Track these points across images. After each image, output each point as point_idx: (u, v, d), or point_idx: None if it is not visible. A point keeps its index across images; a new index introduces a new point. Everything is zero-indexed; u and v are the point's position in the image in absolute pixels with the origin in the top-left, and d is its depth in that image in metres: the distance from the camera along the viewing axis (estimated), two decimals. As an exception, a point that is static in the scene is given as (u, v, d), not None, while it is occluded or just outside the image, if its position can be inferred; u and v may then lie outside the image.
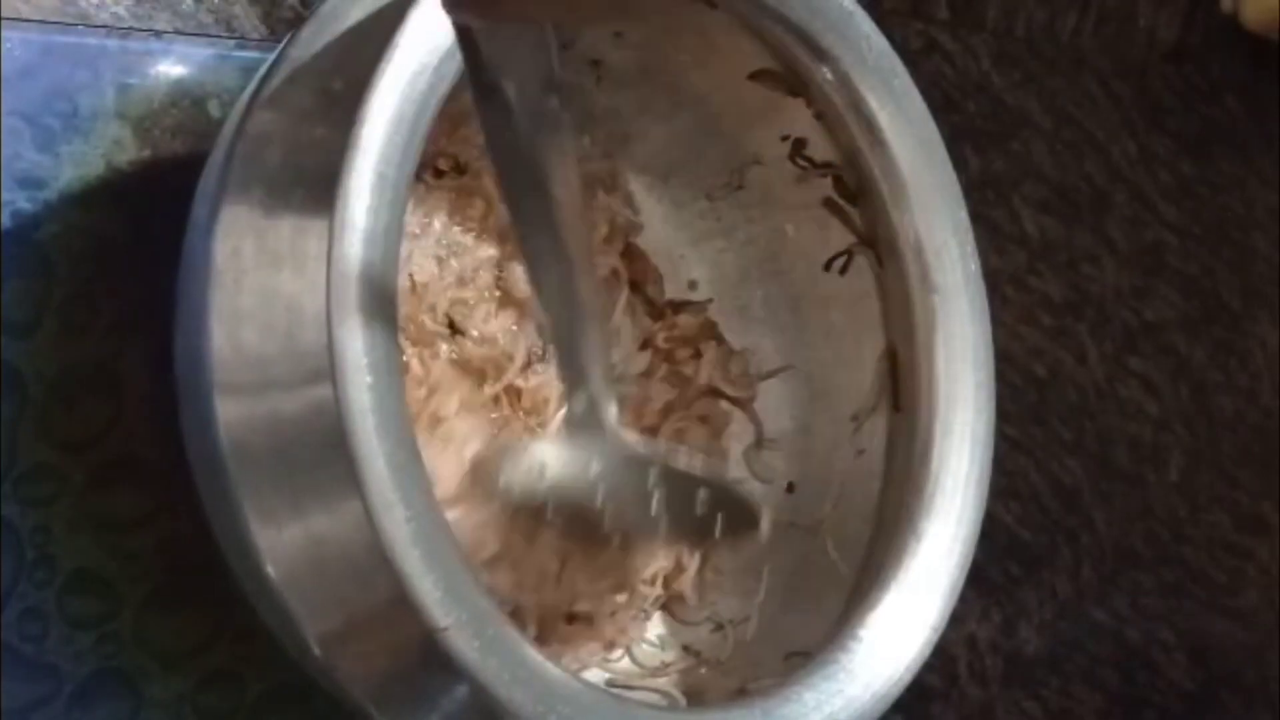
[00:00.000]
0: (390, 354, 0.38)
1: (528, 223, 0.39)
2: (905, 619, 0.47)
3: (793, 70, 0.51)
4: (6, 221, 0.46)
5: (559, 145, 0.37)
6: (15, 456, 0.46)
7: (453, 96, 0.41)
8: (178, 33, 0.55)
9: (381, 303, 0.38)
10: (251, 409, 0.39)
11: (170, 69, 0.49)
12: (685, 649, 0.53)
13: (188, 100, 0.50)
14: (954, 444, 0.50)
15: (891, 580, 0.47)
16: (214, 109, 0.50)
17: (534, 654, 0.39)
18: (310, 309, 0.38)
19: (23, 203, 0.46)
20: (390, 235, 0.39)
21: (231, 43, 0.51)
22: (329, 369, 0.37)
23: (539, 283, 0.41)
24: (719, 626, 0.53)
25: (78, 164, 0.47)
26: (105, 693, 0.47)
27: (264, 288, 0.39)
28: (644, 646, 0.52)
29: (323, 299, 0.37)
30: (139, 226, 0.48)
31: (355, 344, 0.37)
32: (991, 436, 0.51)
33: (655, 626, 0.52)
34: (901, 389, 0.52)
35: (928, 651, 0.47)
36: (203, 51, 0.50)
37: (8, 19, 0.47)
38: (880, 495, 0.52)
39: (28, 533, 0.46)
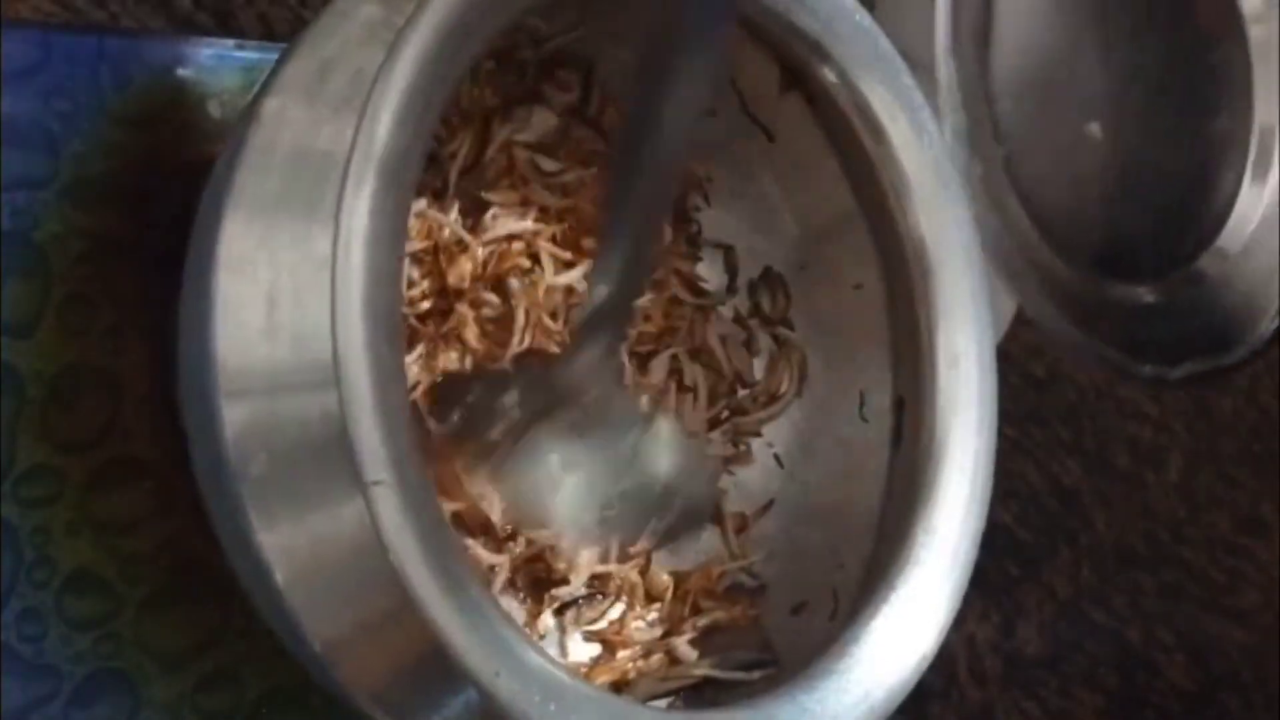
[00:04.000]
0: (394, 355, 0.38)
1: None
2: (903, 632, 0.47)
3: (795, 71, 0.51)
4: (6, 221, 0.46)
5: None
6: (15, 457, 0.46)
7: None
8: (177, 33, 0.55)
9: (386, 304, 0.38)
10: (257, 412, 0.39)
11: (170, 69, 0.49)
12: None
13: (188, 100, 0.50)
14: (957, 444, 0.49)
15: (891, 593, 0.47)
16: (214, 109, 0.50)
17: (538, 656, 0.39)
18: (316, 311, 0.38)
19: (23, 203, 0.46)
20: (395, 237, 0.39)
21: (231, 43, 0.51)
22: (334, 372, 0.37)
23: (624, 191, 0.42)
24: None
25: (78, 164, 0.47)
26: (105, 693, 0.47)
27: (270, 289, 0.39)
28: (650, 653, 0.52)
29: (328, 301, 0.37)
30: (139, 226, 0.48)
31: (359, 346, 0.37)
32: (993, 438, 0.50)
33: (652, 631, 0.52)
34: (904, 389, 0.52)
35: (924, 668, 0.47)
36: (203, 51, 0.50)
37: (8, 19, 0.47)
38: (882, 506, 0.51)
39: (27, 533, 0.46)
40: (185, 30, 0.57)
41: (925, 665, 0.47)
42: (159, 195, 0.49)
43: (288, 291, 0.39)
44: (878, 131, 0.50)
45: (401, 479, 0.37)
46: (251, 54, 0.51)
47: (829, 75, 0.50)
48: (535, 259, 0.50)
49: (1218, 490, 0.80)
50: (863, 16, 0.50)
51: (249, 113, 0.42)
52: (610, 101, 0.53)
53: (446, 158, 0.49)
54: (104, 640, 0.47)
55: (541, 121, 0.51)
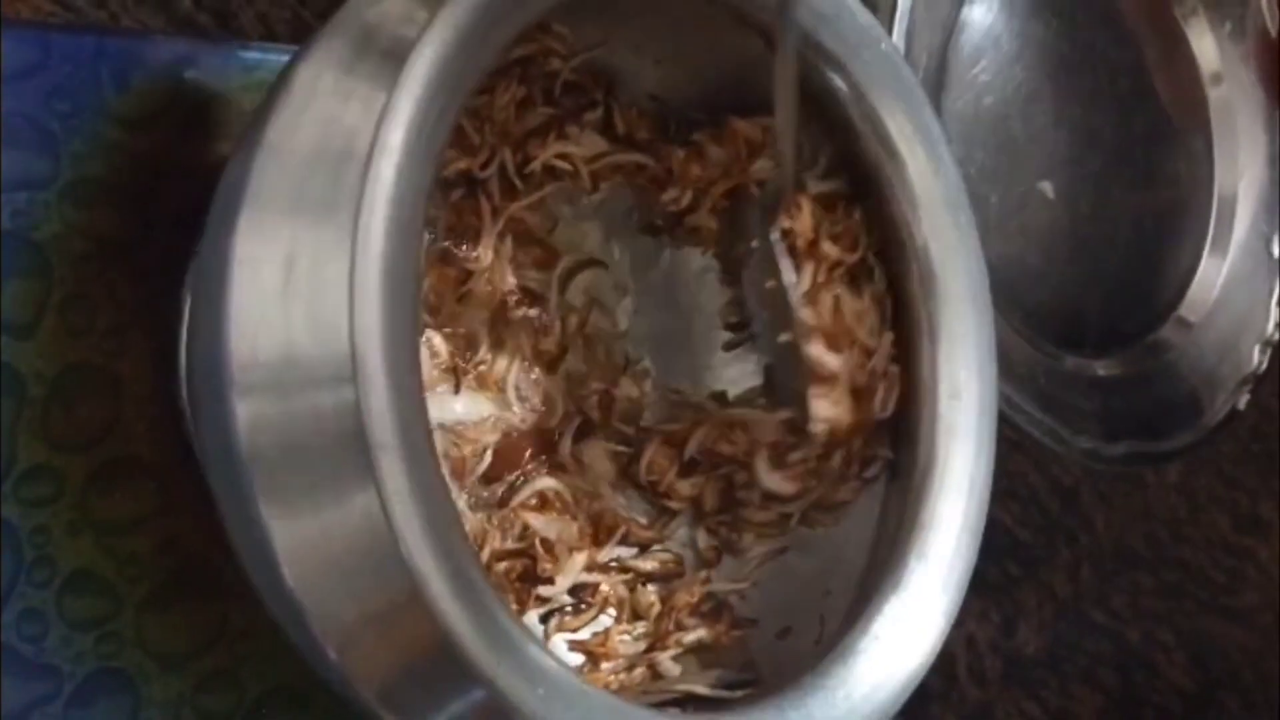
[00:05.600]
0: (410, 351, 0.38)
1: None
2: (891, 654, 0.46)
3: (816, 98, 0.51)
4: (6, 221, 0.46)
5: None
6: (15, 456, 0.46)
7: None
8: (177, 33, 0.55)
9: (403, 299, 0.38)
10: (270, 409, 0.39)
11: (170, 69, 0.49)
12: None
13: (188, 100, 0.50)
14: (953, 474, 0.49)
15: (879, 616, 0.47)
16: (214, 109, 0.50)
17: (545, 656, 0.39)
18: (332, 306, 0.38)
19: (23, 203, 0.46)
20: (412, 232, 0.39)
21: (231, 43, 0.51)
22: (350, 369, 0.37)
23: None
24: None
25: (78, 164, 0.47)
26: (105, 693, 0.47)
27: (285, 286, 0.39)
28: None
29: (344, 297, 0.37)
30: (139, 226, 0.48)
31: (375, 342, 0.37)
32: (990, 468, 0.50)
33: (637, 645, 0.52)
34: (902, 418, 0.51)
35: (912, 687, 0.47)
36: (203, 51, 0.50)
37: (8, 19, 0.47)
38: (875, 535, 0.51)
39: (27, 533, 0.46)
40: (185, 30, 0.57)
41: (913, 686, 0.47)
42: (159, 195, 0.49)
43: (304, 286, 0.39)
44: (884, 138, 0.50)
45: (407, 445, 0.37)
46: (252, 54, 0.51)
47: (838, 83, 0.50)
48: None
49: (1218, 490, 0.80)
50: (887, 45, 0.50)
51: (265, 109, 0.42)
52: (641, 116, 0.53)
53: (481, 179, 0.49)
54: (104, 640, 0.47)
55: (590, 141, 0.51)
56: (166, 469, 0.48)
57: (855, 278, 0.51)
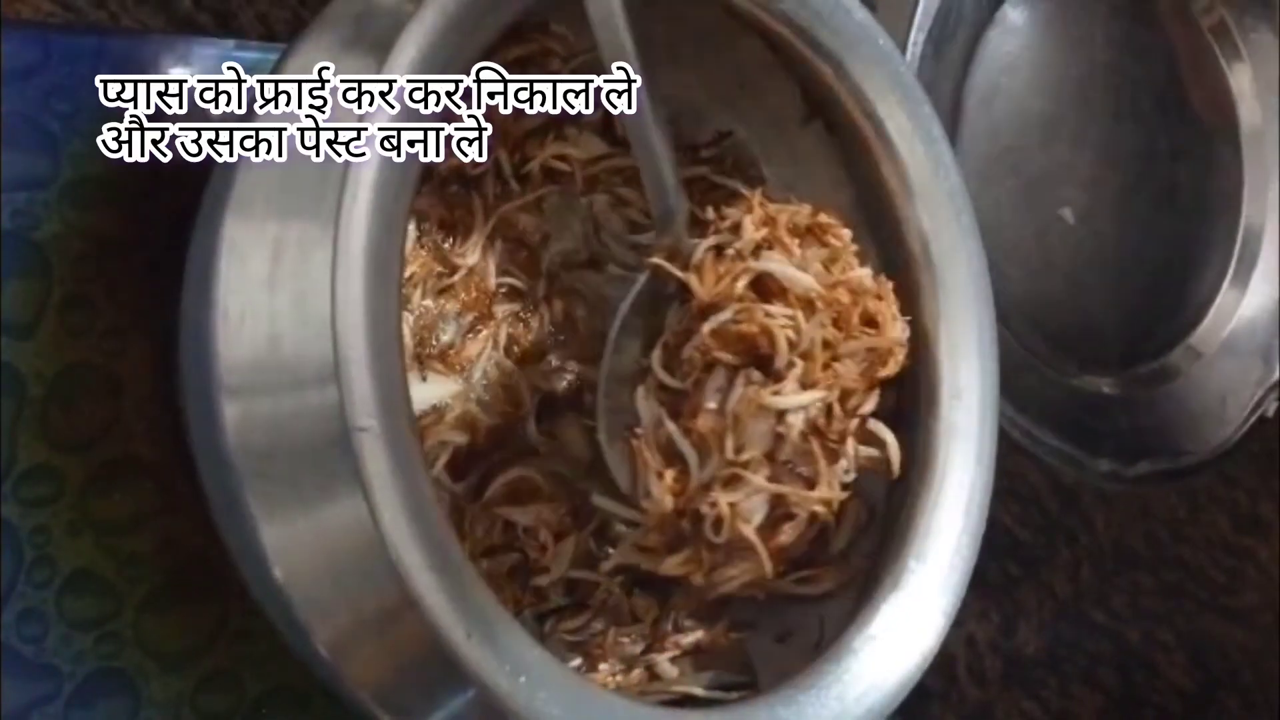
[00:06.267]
0: (393, 351, 0.38)
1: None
2: (888, 655, 0.46)
3: (817, 101, 0.51)
4: (6, 222, 0.46)
5: None
6: (15, 457, 0.46)
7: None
8: (177, 33, 0.55)
9: (386, 300, 0.38)
10: (257, 409, 0.39)
11: (170, 69, 0.49)
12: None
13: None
14: (954, 476, 0.49)
15: (877, 616, 0.47)
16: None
17: (541, 654, 0.39)
18: (317, 295, 0.38)
19: (22, 203, 0.46)
20: (396, 217, 0.39)
21: (231, 43, 0.51)
22: (334, 369, 0.37)
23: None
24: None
25: (78, 164, 0.47)
26: (105, 693, 0.47)
27: (270, 288, 0.39)
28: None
29: (327, 299, 0.37)
30: (139, 226, 0.48)
31: (359, 331, 0.37)
32: (991, 470, 0.50)
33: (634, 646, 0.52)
34: (905, 418, 0.51)
35: (908, 688, 0.47)
36: (203, 51, 0.50)
37: (8, 19, 0.47)
38: (883, 512, 0.51)
39: (27, 533, 0.46)
40: (185, 30, 0.57)
41: (910, 685, 0.47)
42: (159, 195, 0.49)
43: (289, 289, 0.39)
44: (882, 133, 0.50)
45: (403, 476, 0.37)
46: (251, 54, 0.51)
47: (850, 103, 0.50)
48: None
49: (1218, 490, 0.80)
50: (885, 41, 0.50)
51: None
52: None
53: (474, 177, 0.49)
54: (104, 640, 0.47)
55: (588, 143, 0.51)
56: (166, 469, 0.48)
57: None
